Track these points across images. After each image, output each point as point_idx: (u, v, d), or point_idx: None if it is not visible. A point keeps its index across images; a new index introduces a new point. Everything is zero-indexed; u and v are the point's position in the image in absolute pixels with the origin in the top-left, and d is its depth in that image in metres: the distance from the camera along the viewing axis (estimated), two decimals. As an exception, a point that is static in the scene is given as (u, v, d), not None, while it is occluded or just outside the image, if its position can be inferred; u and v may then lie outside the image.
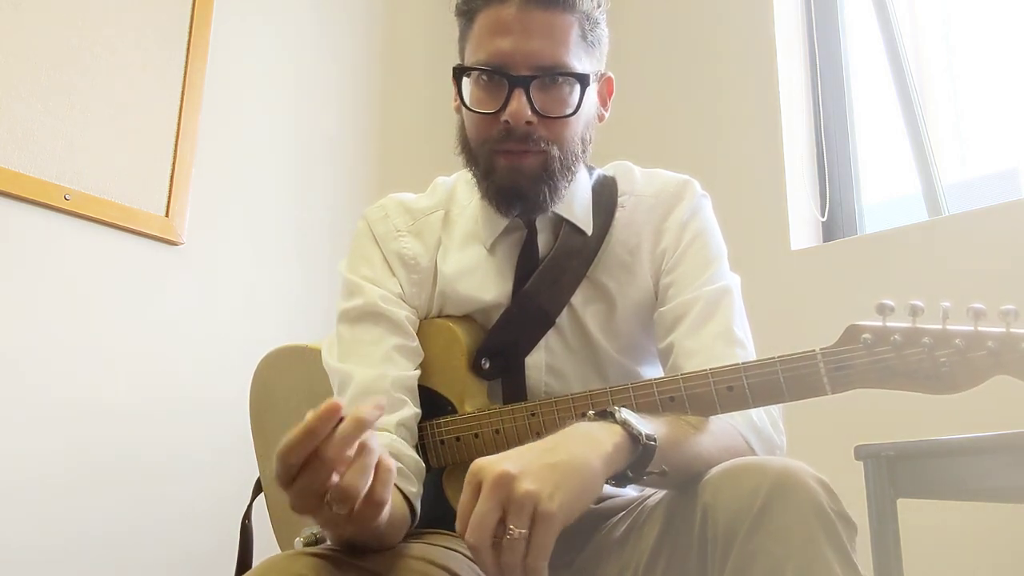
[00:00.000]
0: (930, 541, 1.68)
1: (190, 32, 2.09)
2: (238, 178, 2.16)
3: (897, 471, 1.32)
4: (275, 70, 2.29)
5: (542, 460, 0.77)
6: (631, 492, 1.17)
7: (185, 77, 2.06)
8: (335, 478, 0.74)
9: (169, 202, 2.00)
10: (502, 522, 0.73)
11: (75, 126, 1.87)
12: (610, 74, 1.17)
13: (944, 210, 2.17)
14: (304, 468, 0.73)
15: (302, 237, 2.26)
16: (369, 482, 0.75)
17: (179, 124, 2.04)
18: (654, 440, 0.83)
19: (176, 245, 2.01)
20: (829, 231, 2.34)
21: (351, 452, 0.74)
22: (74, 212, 1.85)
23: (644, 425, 0.83)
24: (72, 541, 1.74)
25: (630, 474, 0.83)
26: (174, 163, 2.02)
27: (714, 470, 0.87)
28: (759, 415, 1.02)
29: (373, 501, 0.77)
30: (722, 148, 2.40)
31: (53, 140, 1.84)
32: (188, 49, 2.08)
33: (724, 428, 0.99)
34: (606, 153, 1.29)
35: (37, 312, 1.78)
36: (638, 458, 0.83)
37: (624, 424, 0.83)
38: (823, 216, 2.34)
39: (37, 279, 1.79)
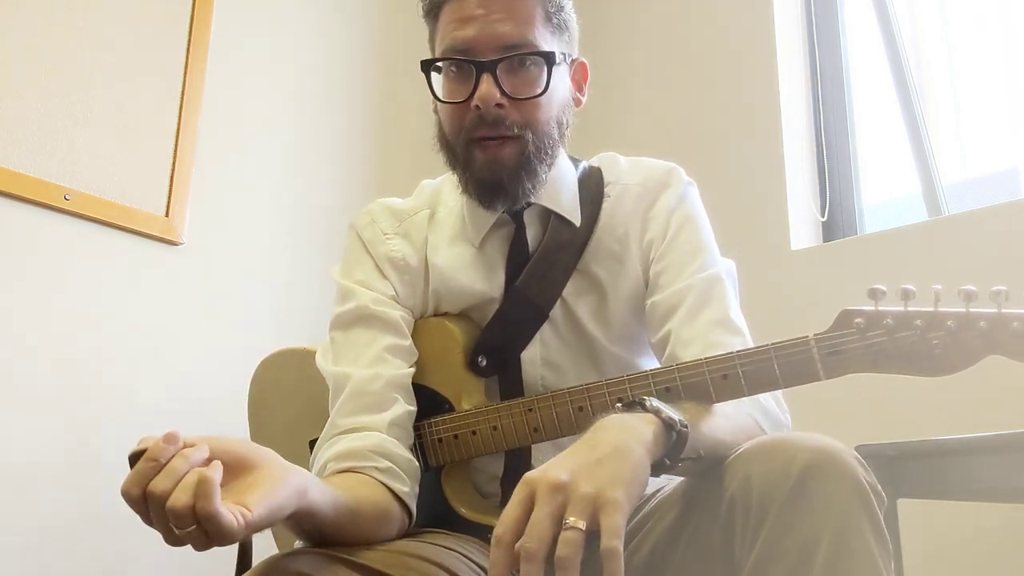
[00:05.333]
0: (930, 541, 1.68)
1: (190, 32, 2.09)
2: (238, 178, 2.16)
3: (897, 471, 1.31)
4: (275, 70, 2.29)
5: (589, 459, 0.75)
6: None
7: (185, 77, 2.06)
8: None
9: (169, 202, 2.00)
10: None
11: (75, 126, 1.87)
12: (583, 59, 1.17)
13: (944, 210, 2.17)
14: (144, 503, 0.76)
15: (302, 237, 2.26)
16: (189, 499, 0.74)
17: (179, 124, 2.04)
18: (687, 426, 0.82)
19: (176, 245, 2.01)
20: (829, 231, 2.34)
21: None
22: (74, 212, 1.85)
23: (673, 412, 0.82)
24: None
25: (667, 462, 0.82)
26: (174, 163, 2.02)
27: (743, 448, 0.86)
28: (764, 396, 1.01)
29: (204, 515, 0.74)
30: (722, 148, 2.40)
31: (53, 140, 1.84)
32: (188, 49, 2.08)
33: (736, 411, 0.98)
34: (605, 152, 1.29)
35: (36, 312, 1.78)
36: (673, 445, 0.82)
37: (656, 412, 0.81)
38: (823, 216, 2.33)
39: (37, 279, 1.79)
